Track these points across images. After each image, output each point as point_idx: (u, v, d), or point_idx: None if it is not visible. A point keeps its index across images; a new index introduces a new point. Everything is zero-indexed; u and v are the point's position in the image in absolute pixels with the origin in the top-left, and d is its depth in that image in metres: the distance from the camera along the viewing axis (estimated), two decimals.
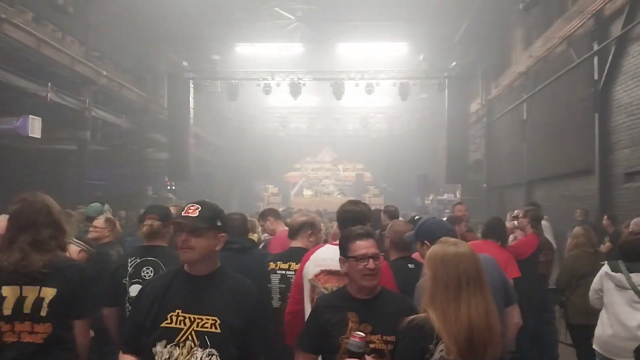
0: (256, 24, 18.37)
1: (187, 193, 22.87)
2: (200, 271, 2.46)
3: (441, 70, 19.74)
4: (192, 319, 2.36)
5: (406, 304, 2.66)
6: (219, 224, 2.47)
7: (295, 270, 3.64)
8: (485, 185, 19.18)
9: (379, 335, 2.56)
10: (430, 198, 22.91)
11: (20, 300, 2.67)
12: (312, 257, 3.37)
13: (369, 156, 28.71)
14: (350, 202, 3.62)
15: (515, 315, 3.57)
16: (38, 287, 2.69)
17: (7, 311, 2.66)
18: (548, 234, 7.22)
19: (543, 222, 6.85)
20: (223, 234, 2.50)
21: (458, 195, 20.85)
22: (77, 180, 14.92)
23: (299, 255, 3.72)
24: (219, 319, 2.35)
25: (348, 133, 28.88)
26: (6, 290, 2.68)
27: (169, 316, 2.37)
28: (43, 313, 2.68)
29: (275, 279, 3.80)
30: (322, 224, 4.46)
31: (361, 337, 2.44)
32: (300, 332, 2.90)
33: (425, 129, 26.55)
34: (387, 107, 26.77)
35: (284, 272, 3.75)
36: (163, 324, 2.36)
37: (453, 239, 2.45)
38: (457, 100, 18.95)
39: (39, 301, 2.68)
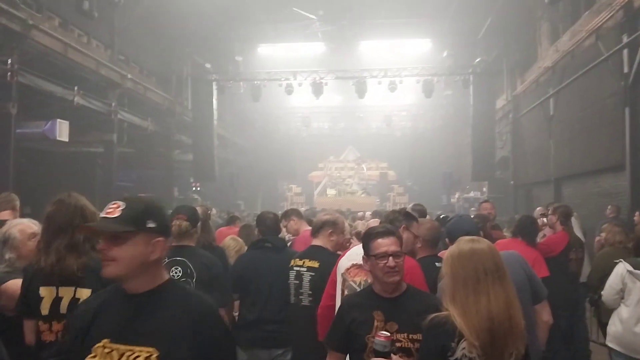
0: (278, 25, 18.46)
1: (212, 194, 23.09)
2: (138, 288, 1.89)
3: (466, 66, 19.58)
4: (122, 351, 1.82)
5: (432, 302, 2.64)
6: (150, 224, 1.88)
7: (308, 267, 3.72)
8: (512, 182, 18.96)
9: (405, 334, 2.55)
10: (456, 196, 22.74)
11: (57, 301, 2.73)
12: (348, 252, 3.42)
13: (393, 154, 28.59)
14: (394, 212, 3.65)
15: (544, 313, 3.50)
16: (73, 288, 2.74)
17: (44, 311, 2.73)
18: (576, 230, 7.08)
19: (572, 218, 6.72)
20: (160, 238, 1.91)
21: (484, 193, 20.64)
22: (105, 182, 15.17)
23: (315, 253, 3.79)
24: (157, 350, 1.80)
25: (371, 132, 28.78)
26: (43, 291, 2.74)
27: (94, 348, 1.84)
28: None
29: (291, 275, 3.86)
30: (346, 224, 4.44)
31: (386, 337, 2.45)
32: (328, 331, 2.91)
33: (450, 126, 26.33)
34: (411, 104, 26.64)
35: (299, 268, 3.78)
36: (87, 359, 1.84)
37: (470, 237, 2.44)
38: (482, 97, 18.76)
39: (74, 302, 2.72)
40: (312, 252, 3.84)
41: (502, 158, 19.75)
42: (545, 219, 6.45)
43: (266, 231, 4.51)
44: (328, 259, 3.70)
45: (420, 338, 2.47)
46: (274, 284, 4.00)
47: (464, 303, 2.20)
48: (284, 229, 6.10)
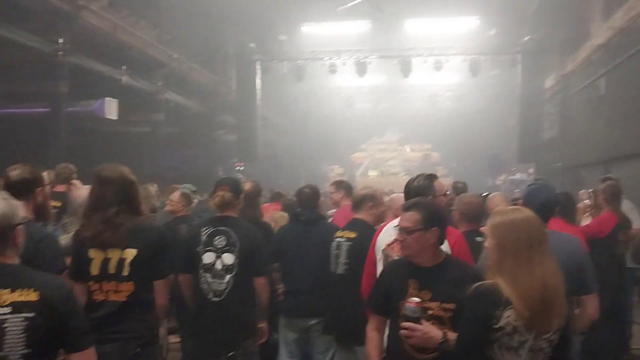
0: (323, 3, 18.32)
1: (255, 175, 23.32)
2: None
3: (514, 45, 19.01)
4: None
5: (469, 271, 2.69)
6: None
7: (347, 238, 3.90)
8: (559, 164, 18.47)
9: (438, 302, 2.60)
10: (502, 178, 22.34)
11: (106, 261, 2.90)
12: (385, 228, 3.45)
13: (437, 136, 28.13)
14: (414, 178, 3.65)
15: (590, 306, 3.24)
16: (120, 249, 2.90)
17: (94, 271, 2.90)
18: (629, 211, 6.82)
19: (627, 203, 6.45)
20: None
21: (531, 175, 20.19)
22: (152, 162, 15.50)
23: (354, 225, 3.96)
24: None
25: (415, 112, 28.35)
26: (93, 253, 2.91)
27: None
28: (125, 273, 2.89)
29: (333, 246, 4.01)
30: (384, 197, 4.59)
31: (417, 303, 2.52)
32: (369, 293, 3.04)
33: (496, 107, 25.76)
34: (456, 84, 26.09)
35: (339, 239, 3.96)
36: None
37: (512, 207, 2.51)
38: (530, 76, 18.21)
39: (121, 262, 2.89)
40: (352, 224, 4.00)
41: (549, 139, 19.26)
42: (587, 201, 6.22)
43: (302, 204, 4.62)
44: (365, 229, 3.85)
45: (454, 307, 2.54)
46: (307, 256, 4.17)
47: (514, 272, 2.18)
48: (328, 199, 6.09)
